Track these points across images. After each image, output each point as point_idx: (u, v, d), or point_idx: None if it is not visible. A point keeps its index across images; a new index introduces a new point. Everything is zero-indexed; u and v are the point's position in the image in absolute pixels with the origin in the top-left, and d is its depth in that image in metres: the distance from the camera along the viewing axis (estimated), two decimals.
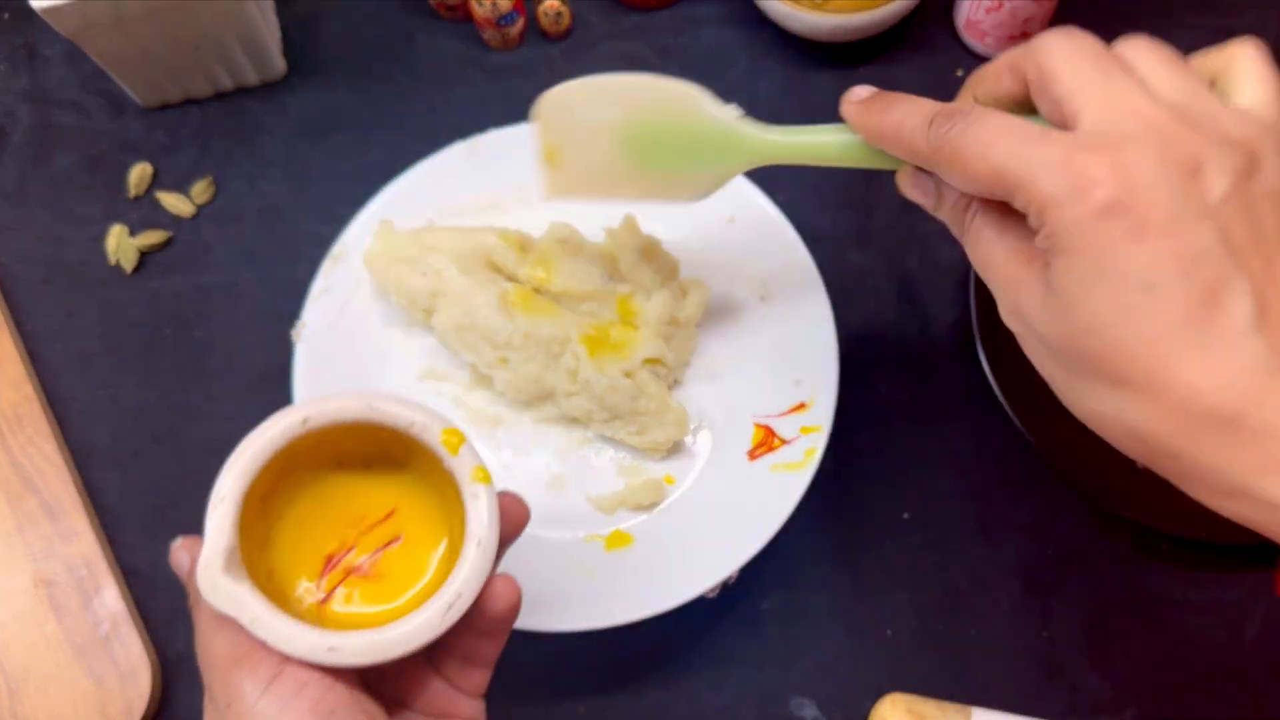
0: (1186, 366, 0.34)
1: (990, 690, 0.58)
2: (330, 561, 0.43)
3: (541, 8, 0.69)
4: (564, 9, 0.69)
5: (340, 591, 0.42)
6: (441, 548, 0.43)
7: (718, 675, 0.59)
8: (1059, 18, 0.68)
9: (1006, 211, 0.39)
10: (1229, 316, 0.34)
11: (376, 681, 0.42)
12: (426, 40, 0.71)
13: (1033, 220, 0.36)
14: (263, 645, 0.39)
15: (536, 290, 0.59)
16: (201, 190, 0.68)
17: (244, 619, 0.38)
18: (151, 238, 0.67)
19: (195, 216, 0.68)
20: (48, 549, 0.60)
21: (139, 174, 0.68)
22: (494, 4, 0.67)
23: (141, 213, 0.68)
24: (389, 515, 0.44)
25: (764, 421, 0.58)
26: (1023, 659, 0.58)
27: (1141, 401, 0.35)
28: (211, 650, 0.39)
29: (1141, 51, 0.39)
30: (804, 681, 0.58)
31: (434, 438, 0.42)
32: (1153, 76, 0.37)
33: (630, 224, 0.60)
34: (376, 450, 0.43)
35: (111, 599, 0.59)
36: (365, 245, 0.61)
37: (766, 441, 0.58)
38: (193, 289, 0.66)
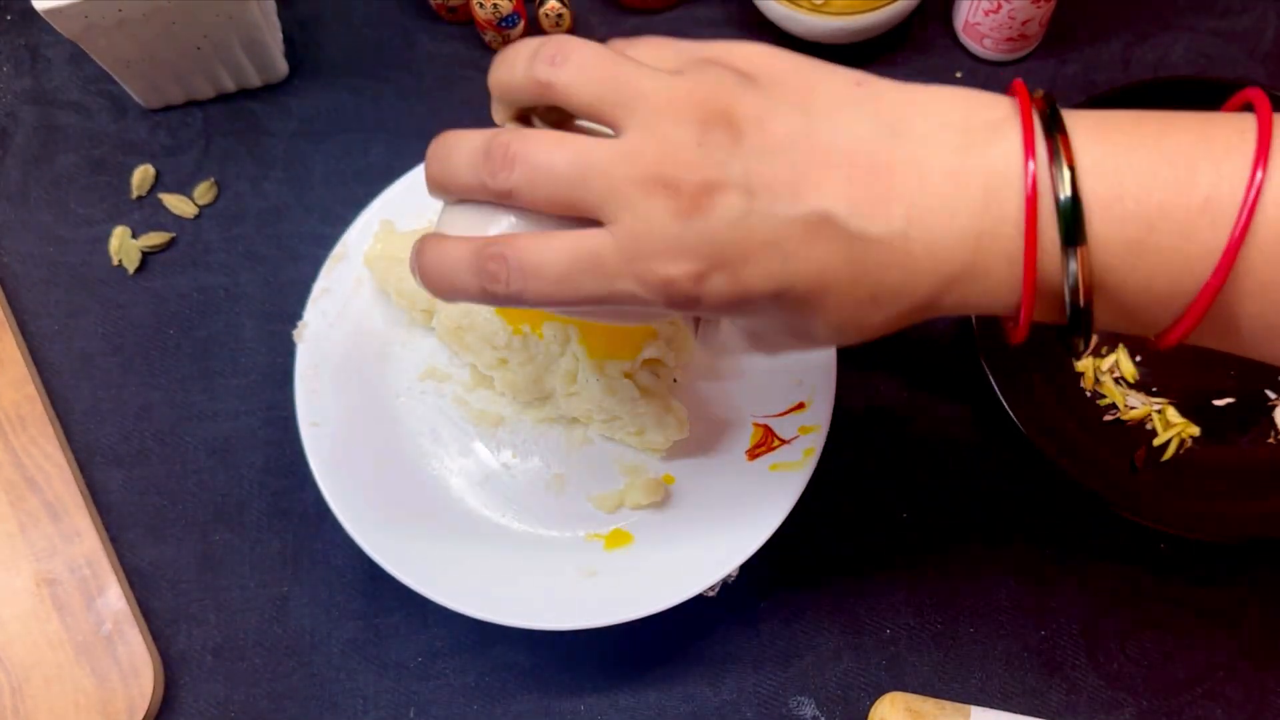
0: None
1: (989, 690, 0.58)
2: None
3: (542, 10, 0.69)
4: (565, 11, 0.69)
5: None
6: None
7: (718, 674, 0.59)
8: (1057, 20, 0.68)
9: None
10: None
11: None
12: (428, 42, 0.72)
13: None
14: None
15: None
16: (204, 191, 0.68)
17: None
18: (154, 239, 0.67)
19: (197, 217, 0.68)
20: (50, 548, 0.60)
21: (142, 175, 0.69)
22: (495, 6, 0.67)
23: (144, 214, 0.68)
24: None
25: (763, 421, 0.59)
26: (1022, 658, 0.58)
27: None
28: None
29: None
30: (804, 680, 0.58)
31: None
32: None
33: None
34: None
35: (114, 598, 0.59)
36: (366, 246, 0.61)
37: (766, 441, 0.58)
38: (195, 289, 0.67)
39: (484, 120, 0.66)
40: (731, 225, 0.36)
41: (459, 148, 0.39)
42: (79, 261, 0.68)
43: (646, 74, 0.37)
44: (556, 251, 0.37)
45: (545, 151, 0.37)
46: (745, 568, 0.56)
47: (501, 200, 0.38)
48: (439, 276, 0.39)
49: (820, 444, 0.57)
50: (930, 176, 0.36)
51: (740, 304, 0.37)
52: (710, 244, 0.36)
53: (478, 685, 0.59)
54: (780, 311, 0.38)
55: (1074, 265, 0.36)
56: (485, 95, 0.70)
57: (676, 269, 0.36)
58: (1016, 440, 0.60)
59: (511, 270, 0.37)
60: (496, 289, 0.38)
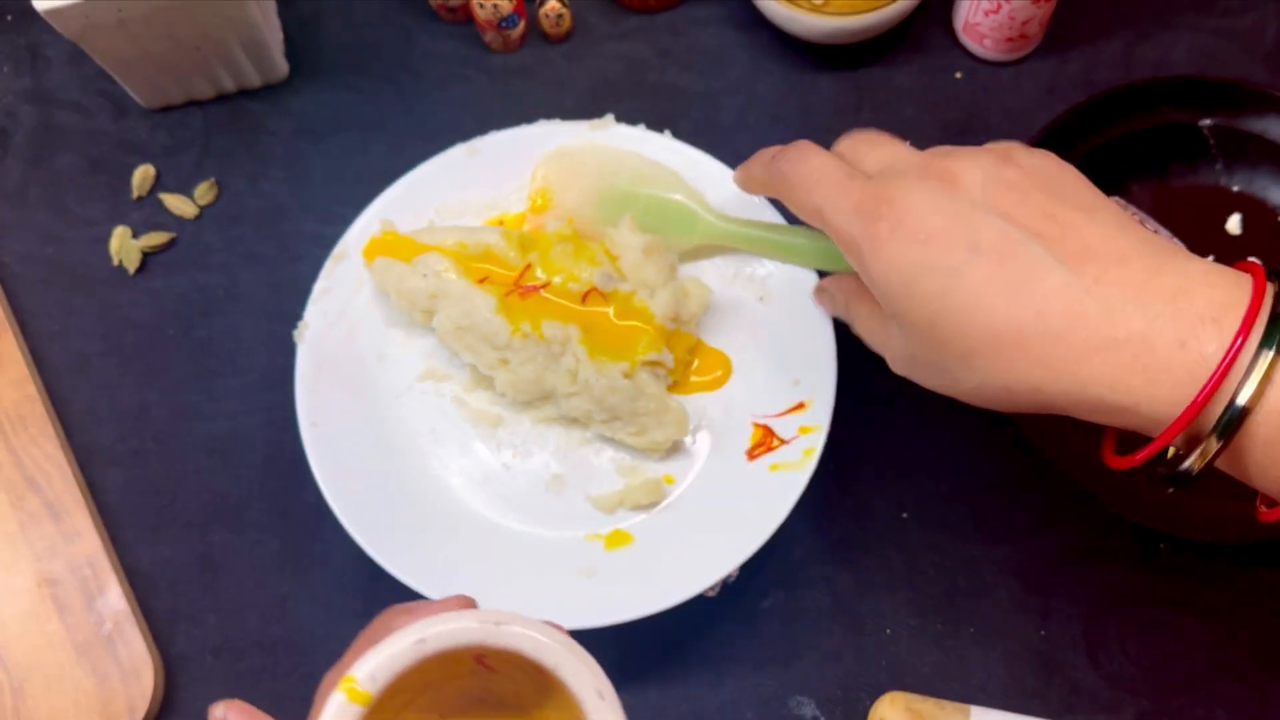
0: (1006, 311, 0.41)
1: (989, 689, 0.58)
2: None
3: (543, 10, 0.69)
4: (565, 11, 0.69)
5: None
6: None
7: (718, 674, 0.59)
8: (1057, 19, 0.68)
9: (864, 291, 0.50)
10: (1028, 258, 0.41)
11: None
12: (428, 42, 0.72)
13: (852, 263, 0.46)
14: None
15: (536, 289, 0.59)
16: (204, 191, 0.68)
17: None
18: (154, 239, 0.67)
19: (198, 217, 0.68)
20: (50, 548, 0.60)
21: (142, 175, 0.69)
22: (495, 6, 0.67)
23: (144, 214, 0.68)
24: None
25: (763, 421, 0.59)
26: (1022, 658, 0.58)
27: (994, 359, 0.42)
28: None
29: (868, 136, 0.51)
30: (804, 680, 0.58)
31: (579, 684, 0.35)
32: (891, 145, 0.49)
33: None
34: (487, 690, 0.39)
35: (114, 598, 0.59)
36: (366, 246, 0.61)
37: (765, 441, 0.58)
38: (195, 289, 0.67)
39: (483, 119, 0.66)
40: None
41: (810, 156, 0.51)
42: (79, 261, 0.68)
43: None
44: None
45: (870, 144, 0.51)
46: (745, 568, 0.56)
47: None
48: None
49: (820, 444, 0.57)
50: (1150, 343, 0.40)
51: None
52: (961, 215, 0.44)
53: None
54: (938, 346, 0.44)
55: (1212, 444, 0.39)
56: (485, 95, 0.71)
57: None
58: (1016, 440, 0.60)
59: None
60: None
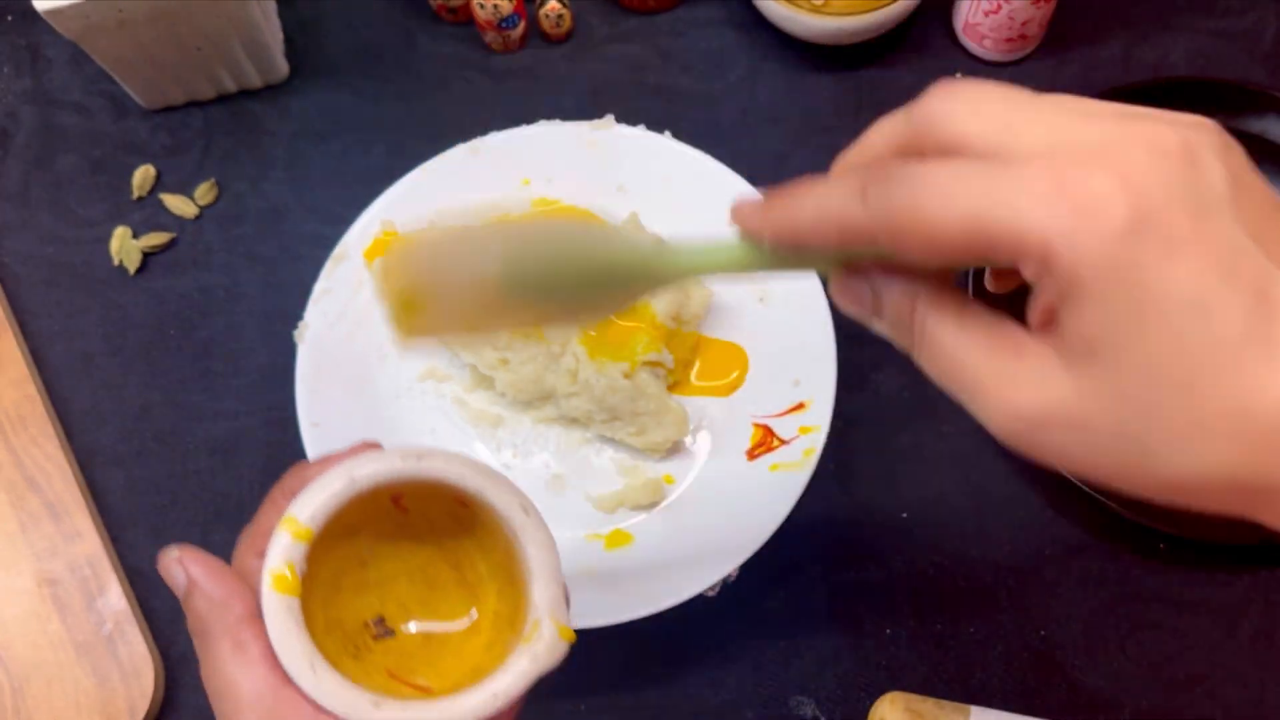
0: (1266, 382, 0.27)
1: (989, 689, 0.58)
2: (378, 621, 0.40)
3: (543, 10, 0.69)
4: (565, 12, 0.69)
5: (380, 645, 0.40)
6: (473, 615, 0.41)
7: (718, 674, 0.59)
8: (1057, 20, 0.68)
9: (961, 301, 0.31)
10: None
11: None
12: (428, 43, 0.72)
13: (1030, 273, 0.28)
14: (299, 696, 0.35)
15: None
16: (204, 192, 0.68)
17: (292, 666, 0.35)
18: (155, 239, 0.67)
19: (198, 218, 0.68)
20: (51, 548, 0.60)
21: (142, 175, 0.69)
22: (495, 7, 0.67)
23: (145, 214, 0.68)
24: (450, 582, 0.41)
25: (763, 421, 0.59)
26: (1022, 658, 0.58)
27: (1230, 442, 0.28)
28: (236, 689, 0.36)
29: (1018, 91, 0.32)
30: (804, 680, 0.58)
31: (503, 503, 0.38)
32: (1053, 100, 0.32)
33: (634, 221, 0.60)
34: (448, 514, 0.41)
35: (115, 598, 0.59)
36: (367, 247, 0.61)
37: (765, 441, 0.58)
38: (195, 290, 0.67)
39: (483, 122, 0.66)
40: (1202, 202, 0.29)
41: (820, 187, 0.32)
42: (80, 262, 0.68)
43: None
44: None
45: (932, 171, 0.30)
46: (745, 568, 0.56)
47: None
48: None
49: (820, 444, 0.57)
50: None
51: (1133, 291, 0.28)
52: (1172, 198, 0.28)
53: None
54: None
55: None
56: (485, 96, 0.71)
57: (1116, 189, 0.28)
58: None
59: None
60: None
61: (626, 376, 0.57)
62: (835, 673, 0.58)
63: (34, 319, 0.67)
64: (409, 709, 0.36)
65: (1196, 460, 0.29)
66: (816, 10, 0.65)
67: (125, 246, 0.67)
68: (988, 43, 0.68)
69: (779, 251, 0.34)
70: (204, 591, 0.37)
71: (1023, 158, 0.29)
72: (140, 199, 0.69)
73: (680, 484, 0.59)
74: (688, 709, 0.58)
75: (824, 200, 0.31)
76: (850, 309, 0.34)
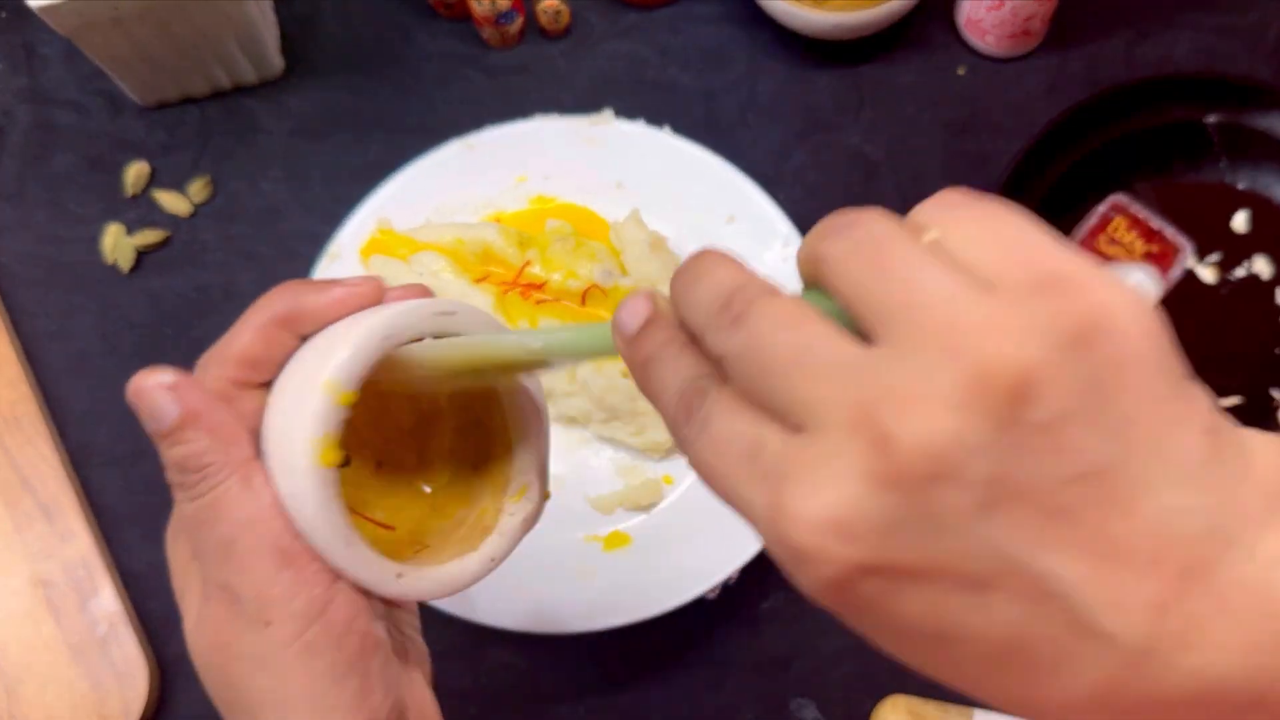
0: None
1: None
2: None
3: (540, 6, 0.69)
4: (563, 7, 0.69)
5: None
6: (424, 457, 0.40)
7: (718, 676, 0.58)
8: (1060, 16, 0.68)
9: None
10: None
11: None
12: (425, 39, 0.71)
13: None
14: (311, 553, 0.33)
15: (535, 287, 0.59)
16: (199, 189, 0.68)
17: (326, 541, 0.33)
18: (149, 237, 0.67)
19: (193, 215, 0.68)
20: (45, 549, 0.60)
21: (136, 173, 0.68)
22: (493, 2, 0.67)
23: (139, 212, 0.68)
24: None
25: None
26: None
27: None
28: (252, 530, 0.33)
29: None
30: (804, 682, 0.58)
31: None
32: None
33: (636, 217, 0.59)
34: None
35: (109, 600, 0.59)
36: (361, 244, 0.61)
37: None
38: (190, 288, 0.66)
39: (481, 119, 0.66)
40: (930, 529, 0.24)
41: (707, 278, 0.29)
42: (74, 260, 0.67)
43: (942, 279, 0.24)
44: (733, 426, 0.27)
45: (771, 328, 0.27)
46: (745, 570, 0.55)
47: (714, 365, 0.28)
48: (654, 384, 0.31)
49: None
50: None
51: (876, 623, 0.26)
52: (888, 536, 0.24)
53: (475, 689, 0.58)
54: (915, 651, 0.26)
55: None
56: (483, 92, 0.70)
57: (824, 541, 0.24)
58: None
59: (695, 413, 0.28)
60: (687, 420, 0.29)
61: (625, 375, 0.57)
62: (836, 675, 0.58)
63: (28, 318, 0.66)
64: (423, 578, 0.35)
65: None
66: (817, 5, 0.65)
67: (119, 244, 0.67)
68: (990, 39, 0.67)
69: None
70: (209, 424, 0.34)
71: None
72: (134, 196, 0.68)
73: (679, 485, 0.58)
74: (687, 711, 0.58)
75: (664, 381, 0.30)
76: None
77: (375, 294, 0.37)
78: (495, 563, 0.37)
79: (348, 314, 0.36)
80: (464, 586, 0.37)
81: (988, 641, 0.25)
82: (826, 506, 0.24)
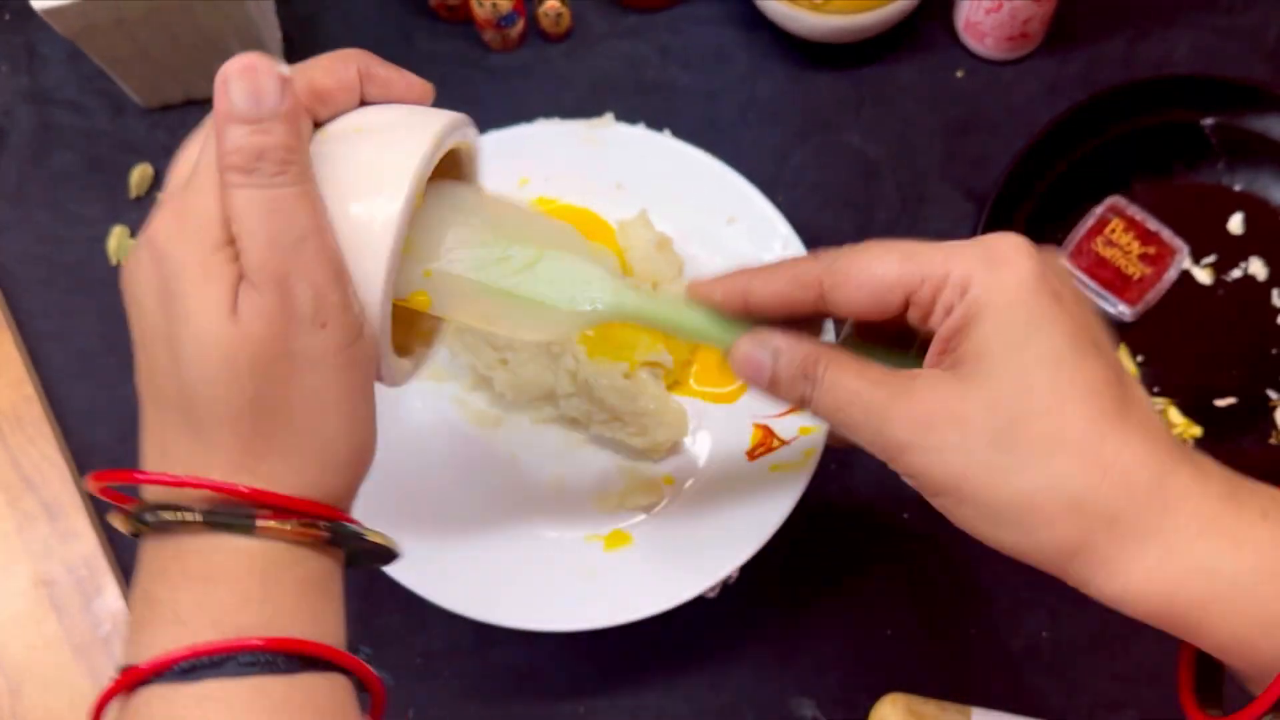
0: (1115, 436, 0.34)
1: (990, 690, 0.57)
2: None
3: (542, 9, 0.69)
4: (564, 10, 0.69)
5: None
6: None
7: (718, 675, 0.58)
8: (1059, 18, 0.68)
9: (854, 357, 0.39)
10: (1139, 404, 0.35)
11: None
12: (427, 41, 0.71)
13: (944, 302, 0.36)
14: (350, 280, 0.35)
15: None
16: None
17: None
18: None
19: None
20: (47, 549, 0.60)
21: (140, 175, 0.68)
22: (494, 5, 0.67)
23: (143, 213, 0.68)
24: None
25: (763, 422, 0.58)
26: (1023, 659, 0.58)
27: (1081, 463, 0.34)
28: (320, 237, 0.34)
29: None
30: (804, 681, 0.58)
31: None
32: None
33: (644, 218, 0.60)
34: None
35: (111, 599, 0.59)
36: None
37: (766, 442, 0.58)
38: None
39: (481, 118, 0.66)
40: None
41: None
42: (77, 261, 0.67)
43: None
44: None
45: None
46: (745, 569, 0.56)
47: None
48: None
49: (821, 444, 0.56)
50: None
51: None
52: None
53: (476, 687, 0.59)
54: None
55: None
56: (484, 94, 0.71)
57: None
58: None
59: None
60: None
61: (626, 376, 0.57)
62: (835, 674, 0.58)
63: (31, 319, 0.66)
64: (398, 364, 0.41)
65: (1049, 474, 0.34)
66: (817, 8, 0.65)
67: (123, 246, 0.67)
68: (989, 41, 0.68)
69: (723, 309, 0.41)
70: (299, 127, 0.35)
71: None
72: (138, 198, 0.68)
73: (680, 485, 0.59)
74: (687, 710, 0.58)
75: (778, 265, 0.40)
76: (746, 375, 0.41)
77: (428, 93, 0.40)
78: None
79: (409, 100, 0.39)
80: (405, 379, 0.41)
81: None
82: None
